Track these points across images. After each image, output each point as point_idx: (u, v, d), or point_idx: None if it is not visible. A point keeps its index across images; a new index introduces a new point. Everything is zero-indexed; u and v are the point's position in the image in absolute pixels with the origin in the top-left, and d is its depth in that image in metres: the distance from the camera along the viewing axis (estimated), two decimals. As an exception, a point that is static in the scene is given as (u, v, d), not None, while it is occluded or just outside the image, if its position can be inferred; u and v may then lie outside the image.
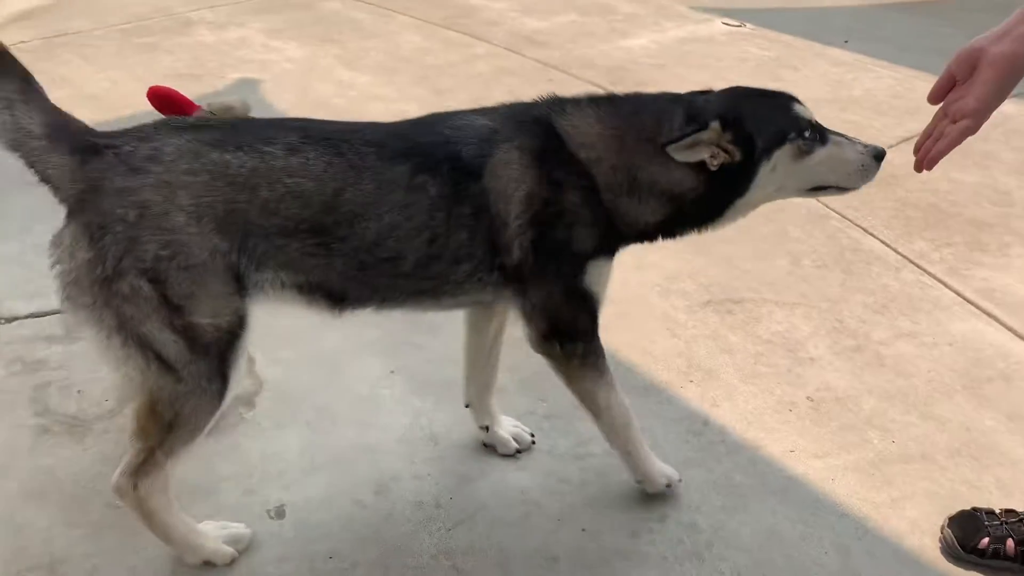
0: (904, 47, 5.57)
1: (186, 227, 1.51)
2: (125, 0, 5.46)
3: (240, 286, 1.58)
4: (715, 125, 1.69)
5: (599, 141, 1.75)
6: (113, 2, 5.45)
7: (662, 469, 2.02)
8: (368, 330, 2.54)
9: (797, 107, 1.78)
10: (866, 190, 3.32)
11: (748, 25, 5.73)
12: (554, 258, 1.74)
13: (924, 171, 1.68)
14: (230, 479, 2.06)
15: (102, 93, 4.14)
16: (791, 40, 5.50)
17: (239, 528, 1.88)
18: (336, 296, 1.70)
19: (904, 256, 3.14)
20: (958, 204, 3.54)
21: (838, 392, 2.45)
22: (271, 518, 1.96)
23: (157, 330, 1.52)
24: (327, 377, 2.38)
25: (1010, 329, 2.79)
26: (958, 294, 2.95)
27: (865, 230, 3.28)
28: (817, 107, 4.63)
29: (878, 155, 1.80)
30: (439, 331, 2.55)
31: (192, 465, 2.06)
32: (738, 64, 4.97)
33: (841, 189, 1.85)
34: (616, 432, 1.96)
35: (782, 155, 1.74)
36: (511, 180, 1.69)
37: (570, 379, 1.90)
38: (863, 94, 4.71)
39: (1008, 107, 4.95)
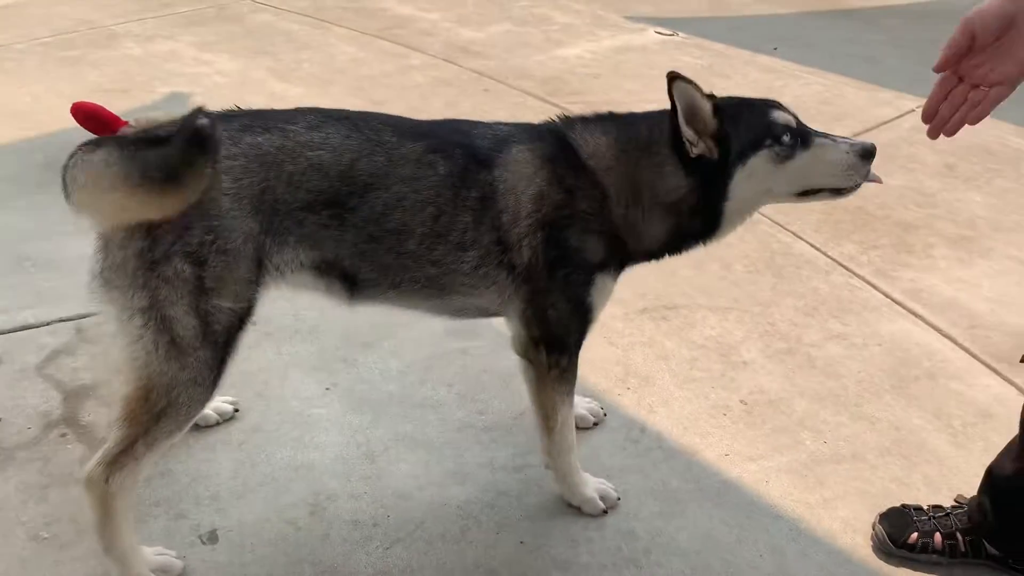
0: (832, 54, 5.71)
1: (229, 211, 1.59)
2: (47, 12, 5.32)
3: (259, 274, 1.65)
4: (710, 105, 1.75)
5: (607, 152, 1.82)
6: (34, 15, 5.31)
7: (600, 491, 2.03)
8: (302, 347, 2.51)
9: (776, 114, 1.79)
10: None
11: (680, 34, 5.82)
12: (564, 263, 1.80)
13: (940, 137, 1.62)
14: (159, 504, 2.00)
15: (25, 109, 4.01)
16: (722, 48, 5.60)
17: (170, 558, 1.84)
18: (349, 277, 1.76)
19: (833, 259, 3.21)
20: (885, 207, 3.64)
21: (771, 395, 2.49)
22: (203, 543, 1.92)
23: (183, 313, 1.57)
24: (259, 396, 2.34)
25: (935, 328, 2.87)
26: (886, 295, 3.03)
27: (795, 234, 3.35)
28: (748, 114, 4.67)
29: (865, 152, 1.79)
30: (375, 347, 2.53)
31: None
32: (671, 72, 5.04)
33: (836, 191, 1.83)
34: (560, 453, 1.98)
35: (759, 161, 1.77)
36: (522, 177, 1.77)
37: (542, 387, 1.93)
38: (792, 100, 4.77)
39: (930, 112, 5.08)
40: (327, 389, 2.38)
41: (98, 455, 1.67)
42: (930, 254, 3.32)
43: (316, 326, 2.59)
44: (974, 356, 2.75)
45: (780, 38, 5.94)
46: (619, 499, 2.05)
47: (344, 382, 2.41)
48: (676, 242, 1.89)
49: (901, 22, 7.04)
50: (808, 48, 5.80)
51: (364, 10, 5.78)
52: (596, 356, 2.60)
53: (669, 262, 2.88)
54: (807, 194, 1.84)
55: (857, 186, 1.82)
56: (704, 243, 1.91)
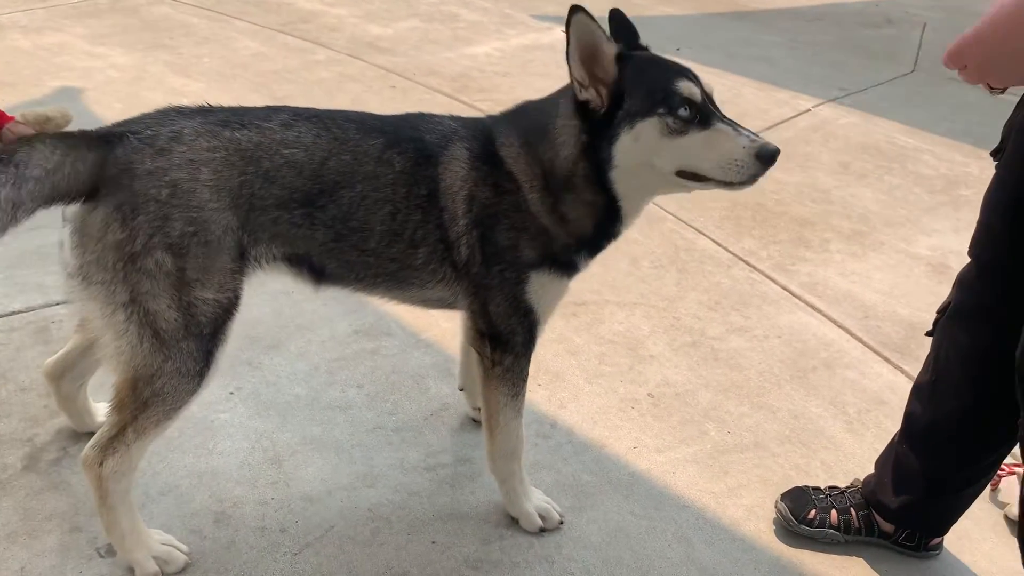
0: (732, 54, 5.89)
1: (209, 202, 1.59)
2: (-76, 1, 5.02)
3: (241, 264, 1.66)
4: (614, 50, 1.66)
5: (515, 142, 1.79)
6: (-91, 3, 5.00)
7: (541, 508, 2.03)
8: (205, 350, 2.44)
9: (681, 83, 1.65)
10: (699, 193, 3.47)
11: (587, 33, 5.89)
12: (497, 262, 1.78)
13: None
14: (53, 518, 1.91)
15: (-102, 103, 3.76)
16: (628, 48, 5.70)
17: (174, 549, 1.83)
18: (317, 270, 1.78)
19: (734, 254, 3.31)
20: (783, 204, 3.77)
21: (677, 387, 2.54)
22: (101, 556, 1.84)
23: (165, 306, 1.57)
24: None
25: (831, 320, 2.99)
26: (784, 288, 3.14)
27: (698, 230, 3.44)
28: (652, 113, 4.74)
29: (762, 154, 1.62)
30: (280, 349, 2.48)
31: (10, 505, 1.91)
32: (578, 71, 5.09)
33: (722, 183, 1.68)
34: (501, 457, 1.97)
35: (647, 127, 1.64)
36: (457, 177, 1.76)
37: (486, 383, 1.92)
38: (695, 100, 4.93)
39: (826, 111, 5.34)
40: (231, 393, 2.31)
41: (93, 438, 1.70)
42: (826, 248, 3.46)
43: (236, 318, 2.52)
44: (867, 346, 2.88)
45: (682, 38, 6.08)
46: (562, 522, 2.03)
47: (249, 386, 2.35)
48: (593, 227, 1.80)
49: (795, 24, 7.30)
50: (708, 49, 5.97)
51: (267, 4, 5.65)
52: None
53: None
54: (694, 179, 1.69)
55: (745, 183, 1.67)
56: (615, 225, 1.81)
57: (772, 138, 1.76)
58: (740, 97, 5.11)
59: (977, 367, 1.84)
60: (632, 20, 1.89)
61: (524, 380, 1.92)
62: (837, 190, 4.01)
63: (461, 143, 1.78)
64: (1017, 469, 2.30)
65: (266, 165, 1.65)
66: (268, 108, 1.77)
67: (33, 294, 2.60)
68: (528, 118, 1.83)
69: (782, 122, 4.81)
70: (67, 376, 2.03)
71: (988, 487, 2.31)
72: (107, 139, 1.57)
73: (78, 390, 2.07)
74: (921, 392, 1.98)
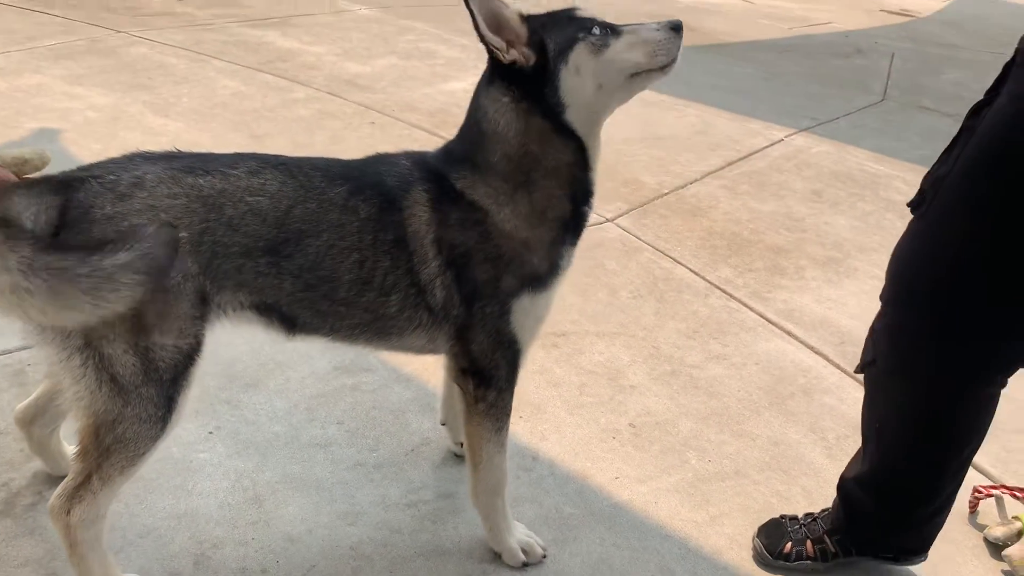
0: (704, 86, 5.98)
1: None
2: (-100, 45, 5.02)
3: (204, 310, 1.65)
4: (516, 13, 1.73)
5: (465, 171, 1.78)
6: None
7: (524, 543, 2.02)
8: (184, 390, 2.42)
9: (578, 11, 1.79)
10: (675, 223, 3.51)
11: (563, 67, 5.97)
12: (478, 299, 1.78)
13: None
14: (29, 563, 1.88)
15: None
16: (603, 81, 5.78)
17: None
18: (288, 320, 1.77)
19: (711, 283, 3.34)
20: (758, 232, 3.81)
21: (657, 416, 2.56)
22: (77, 603, 1.81)
23: (121, 351, 1.56)
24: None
25: (808, 346, 3.02)
26: (761, 316, 3.17)
27: (675, 260, 3.47)
28: (628, 144, 4.89)
29: (674, 26, 1.78)
30: (259, 387, 2.47)
31: (-17, 554, 1.89)
32: (555, 105, 5.16)
33: (657, 69, 1.77)
34: (485, 491, 1.97)
35: (579, 55, 1.72)
36: (423, 223, 1.76)
37: (469, 419, 1.91)
38: (669, 131, 5.01)
39: (799, 140, 5.42)
40: (210, 433, 2.30)
41: (59, 487, 1.67)
42: (801, 275, 3.50)
43: (200, 364, 2.51)
44: (844, 371, 2.91)
45: (657, 71, 6.17)
46: (544, 556, 2.03)
47: (228, 425, 2.34)
48: (570, 197, 1.81)
49: (768, 56, 7.44)
50: (682, 81, 6.06)
51: (246, 43, 5.69)
52: (487, 386, 2.61)
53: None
54: (633, 78, 1.77)
55: (673, 61, 1.78)
56: (588, 178, 1.82)
57: (746, 168, 1.81)
58: (714, 128, 5.18)
59: (912, 426, 1.86)
60: None
61: (508, 414, 1.92)
62: (811, 217, 4.07)
63: (419, 185, 1.78)
64: (994, 491, 2.33)
65: (229, 212, 1.64)
66: (235, 155, 1.77)
67: (8, 336, 2.58)
68: (464, 142, 1.83)
69: (756, 152, 4.88)
70: (38, 421, 2.02)
71: (968, 509, 2.33)
72: (69, 183, 1.57)
73: (51, 435, 2.05)
74: (869, 436, 1.99)
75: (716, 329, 3.04)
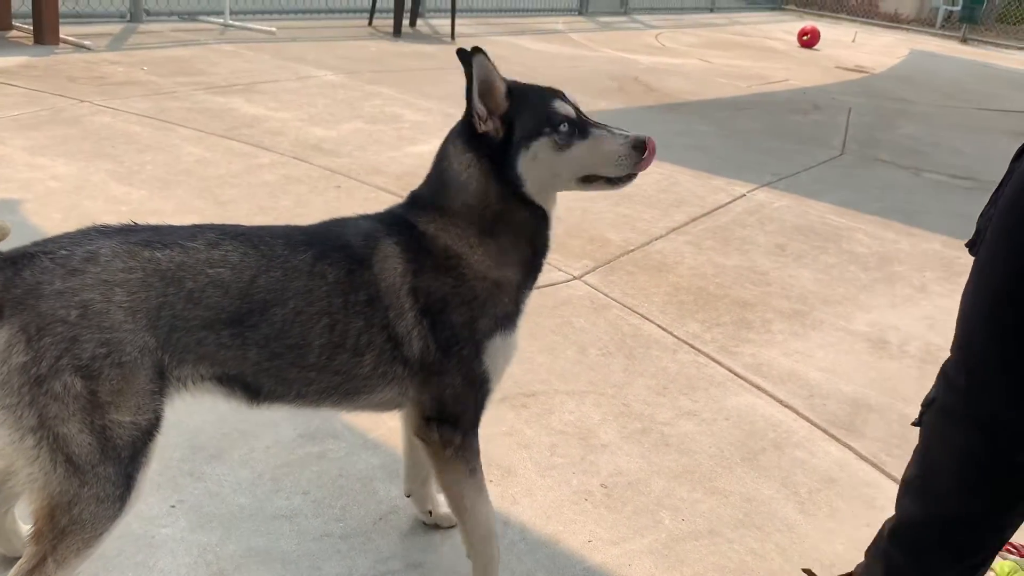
0: (667, 144, 6.07)
1: (123, 323, 1.56)
2: None
3: (162, 384, 1.62)
4: (504, 86, 1.80)
5: (435, 212, 1.83)
6: None
7: None
8: (144, 463, 2.36)
9: (556, 103, 1.84)
10: (642, 279, 3.53)
11: (527, 128, 6.06)
12: (455, 343, 1.79)
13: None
14: (-22, 654, 1.80)
15: None
16: (567, 141, 5.86)
17: None
18: (252, 389, 1.76)
19: (679, 338, 3.35)
20: (724, 287, 3.85)
21: (629, 476, 2.53)
22: None
23: (76, 430, 1.53)
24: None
25: (777, 400, 3.03)
26: (730, 370, 3.17)
27: (643, 316, 3.48)
28: (594, 202, 4.93)
29: (637, 144, 1.83)
30: (222, 458, 2.42)
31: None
32: (520, 165, 5.22)
33: (611, 181, 1.87)
34: (478, 540, 1.94)
35: (540, 147, 1.80)
36: (397, 275, 1.77)
37: (440, 470, 1.89)
38: (633, 189, 5.05)
39: (760, 195, 5.52)
40: (172, 507, 2.23)
41: (12, 570, 1.60)
42: (768, 329, 3.53)
43: (159, 439, 2.45)
44: (814, 424, 2.91)
45: (620, 131, 6.28)
46: None
47: (191, 498, 2.27)
48: (530, 245, 1.88)
49: (727, 114, 7.62)
50: (646, 140, 6.16)
51: (210, 111, 5.72)
52: (457, 450, 2.58)
53: (525, 350, 2.93)
54: (588, 180, 1.87)
55: (631, 177, 1.87)
56: (546, 229, 1.89)
57: (710, 224, 1.84)
58: (677, 185, 5.26)
59: (972, 473, 1.76)
60: None
61: (477, 455, 1.91)
62: (775, 271, 4.11)
63: (387, 239, 1.80)
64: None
65: (189, 285, 1.63)
66: (194, 227, 1.77)
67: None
68: (431, 188, 1.88)
69: (719, 208, 4.96)
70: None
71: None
72: (14, 260, 1.55)
73: (4, 515, 1.98)
74: (910, 488, 1.90)
75: (686, 385, 3.04)
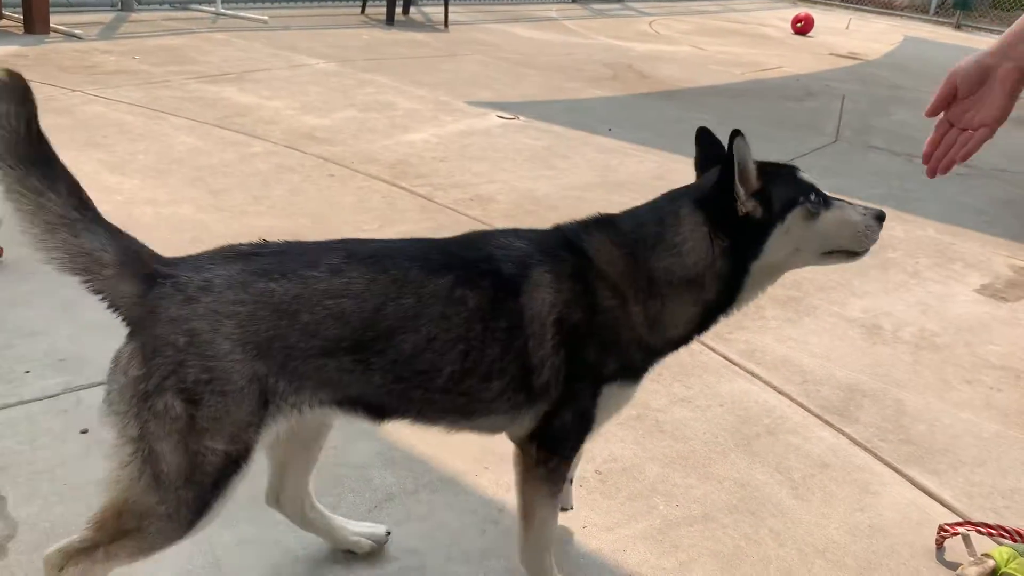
0: (661, 132, 6.08)
1: (230, 354, 1.57)
2: None
3: (262, 416, 1.62)
4: (754, 164, 1.79)
5: (618, 252, 1.82)
6: None
7: None
8: (139, 453, 2.36)
9: (801, 174, 1.86)
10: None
11: (521, 118, 6.05)
12: (580, 378, 1.78)
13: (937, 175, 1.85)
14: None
15: None
16: (561, 130, 5.86)
17: None
18: (375, 409, 1.75)
19: (674, 326, 3.35)
20: (718, 273, 3.85)
21: (624, 462, 2.54)
22: None
23: (169, 449, 1.57)
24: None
25: (771, 386, 3.04)
26: (724, 357, 3.18)
27: (638, 304, 3.48)
28: (588, 190, 4.94)
29: (879, 216, 1.88)
30: (219, 445, 2.41)
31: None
32: (515, 154, 5.22)
33: (849, 254, 1.89)
34: (536, 549, 1.96)
35: (795, 217, 1.81)
36: (545, 303, 1.74)
37: (527, 480, 1.90)
38: (628, 177, 5.07)
39: (753, 183, 5.46)
40: (168, 496, 2.24)
41: (62, 542, 1.65)
42: (762, 315, 3.53)
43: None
44: (808, 410, 2.92)
45: (613, 120, 6.28)
46: None
47: (186, 487, 2.27)
48: (701, 319, 1.88)
49: (721, 101, 7.60)
50: (638, 128, 6.17)
51: (203, 100, 5.69)
52: (453, 438, 2.57)
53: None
54: (827, 255, 1.90)
55: (867, 250, 1.89)
56: (726, 313, 1.90)
57: None
58: (672, 172, 5.26)
59: None
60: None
61: (564, 479, 1.93)
62: (770, 258, 4.11)
63: (542, 267, 1.76)
64: (960, 528, 2.33)
65: (305, 319, 1.61)
66: (320, 248, 1.72)
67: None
68: (632, 231, 1.86)
69: (713, 195, 4.95)
70: (287, 495, 2.01)
71: (934, 545, 2.34)
72: (148, 278, 1.59)
73: (306, 509, 2.04)
74: None
75: (680, 371, 3.04)
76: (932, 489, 2.60)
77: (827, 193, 1.88)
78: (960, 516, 2.48)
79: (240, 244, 1.71)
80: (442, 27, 9.70)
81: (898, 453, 2.75)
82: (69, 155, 4.82)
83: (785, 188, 1.82)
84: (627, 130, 6.07)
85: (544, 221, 1.94)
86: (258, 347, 1.58)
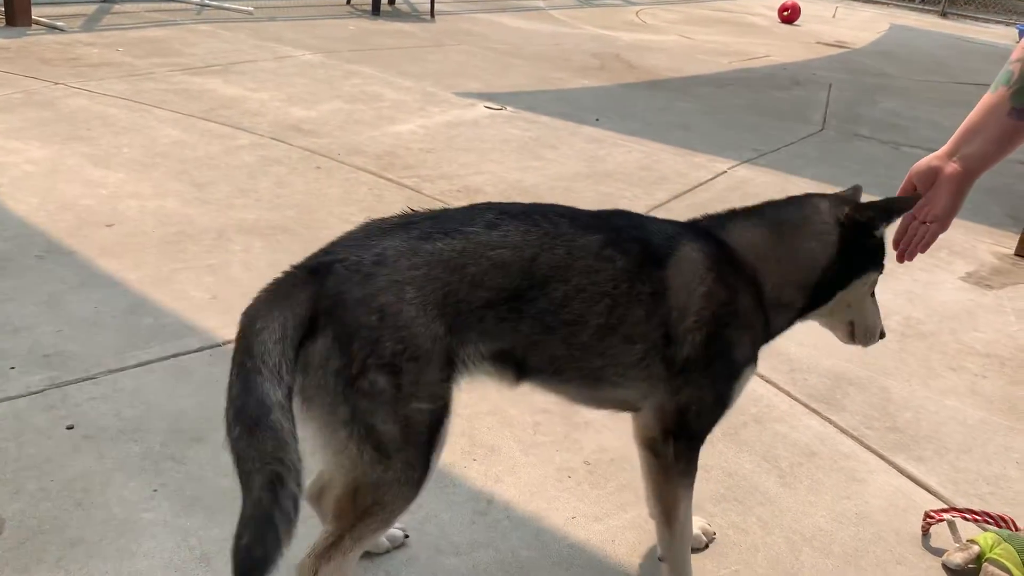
0: (648, 122, 6.08)
1: (416, 319, 1.62)
2: None
3: (450, 372, 1.68)
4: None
5: (762, 242, 1.92)
6: None
7: None
8: (127, 447, 2.36)
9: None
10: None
11: (508, 108, 6.04)
12: (719, 359, 1.82)
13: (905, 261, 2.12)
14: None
15: None
16: (548, 121, 5.85)
17: None
18: (519, 365, 1.79)
19: (662, 316, 3.36)
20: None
21: (612, 453, 2.55)
22: None
23: (381, 421, 1.61)
24: (79, 506, 2.16)
25: (759, 374, 3.03)
26: (712, 347, 3.18)
27: (626, 294, 3.49)
28: (576, 181, 4.93)
29: (883, 333, 2.11)
30: (206, 441, 2.41)
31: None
32: (502, 144, 5.21)
33: (850, 337, 2.09)
34: (680, 545, 1.98)
35: (876, 275, 1.98)
36: (694, 276, 1.80)
37: (665, 480, 1.92)
38: (615, 167, 5.07)
39: (742, 171, 5.52)
40: (154, 491, 2.23)
41: (310, 547, 1.72)
42: (749, 305, 3.54)
43: (140, 424, 2.44)
44: (795, 399, 2.93)
45: (600, 109, 6.28)
46: None
47: (173, 482, 2.27)
48: (796, 316, 1.99)
49: (708, 90, 7.61)
50: (625, 117, 6.16)
51: (188, 92, 5.65)
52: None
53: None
54: (845, 324, 2.08)
55: (860, 345, 2.12)
56: (806, 316, 2.01)
57: (691, 200, 1.87)
58: (660, 162, 5.26)
59: None
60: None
61: (697, 468, 1.97)
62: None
63: (691, 244, 1.84)
64: (945, 515, 2.35)
65: (472, 271, 1.67)
66: (471, 209, 1.80)
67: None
68: (769, 222, 1.97)
69: (701, 184, 4.96)
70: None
71: (920, 532, 2.36)
72: (315, 271, 1.63)
73: None
74: None
75: (668, 362, 3.05)
76: (918, 476, 2.62)
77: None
78: (945, 503, 2.50)
79: (382, 219, 1.76)
80: (428, 17, 9.66)
81: (884, 441, 2.77)
82: (53, 148, 4.82)
83: (884, 251, 1.97)
84: (614, 120, 6.07)
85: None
86: (436, 306, 1.64)
